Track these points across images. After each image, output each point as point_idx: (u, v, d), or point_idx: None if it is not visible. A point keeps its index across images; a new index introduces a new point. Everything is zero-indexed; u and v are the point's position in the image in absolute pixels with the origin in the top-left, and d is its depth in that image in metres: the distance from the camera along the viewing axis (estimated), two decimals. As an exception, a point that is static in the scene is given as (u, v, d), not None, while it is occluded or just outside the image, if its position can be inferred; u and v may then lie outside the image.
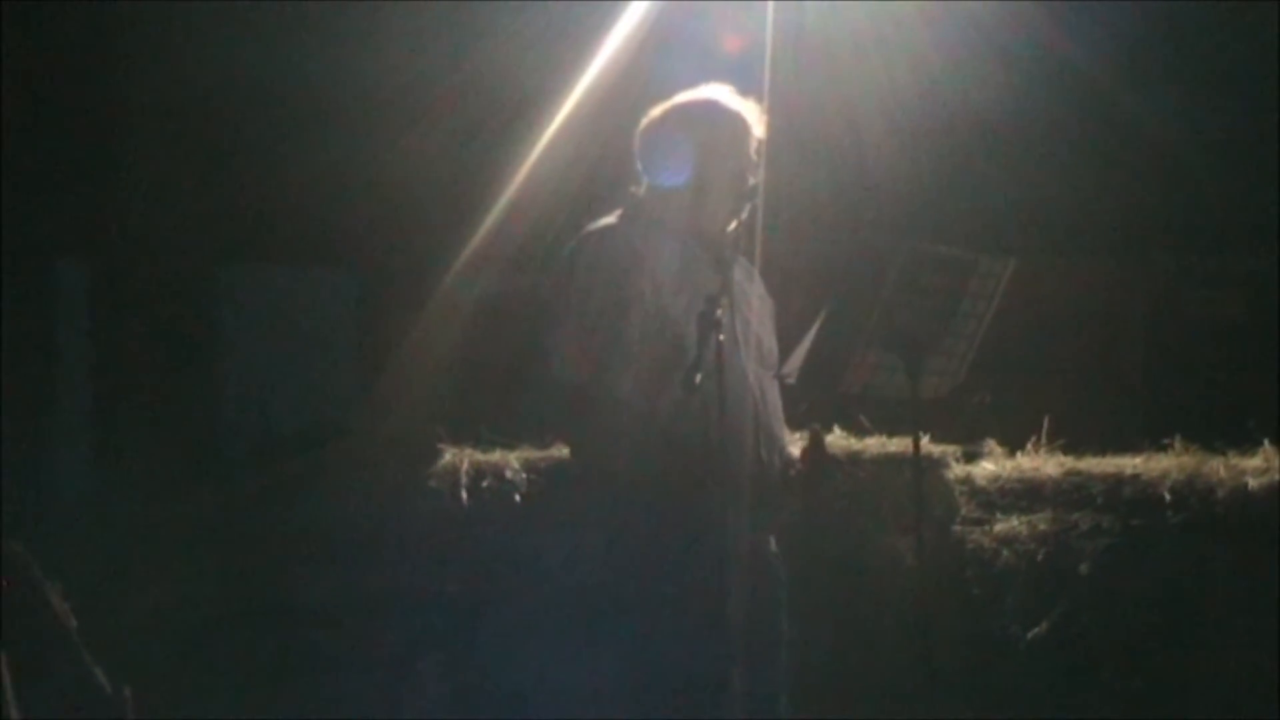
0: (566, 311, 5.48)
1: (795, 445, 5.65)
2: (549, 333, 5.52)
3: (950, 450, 7.45)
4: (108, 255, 9.88)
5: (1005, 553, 7.24)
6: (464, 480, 7.50)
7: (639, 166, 5.65)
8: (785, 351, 5.66)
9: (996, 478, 7.41)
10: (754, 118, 5.63)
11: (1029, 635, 7.13)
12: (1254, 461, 7.22)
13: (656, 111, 5.67)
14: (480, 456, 7.59)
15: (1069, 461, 7.42)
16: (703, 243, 5.55)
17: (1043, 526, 7.25)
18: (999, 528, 7.29)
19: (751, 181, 5.55)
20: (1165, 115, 9.07)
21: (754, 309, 5.65)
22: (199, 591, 7.94)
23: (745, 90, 5.69)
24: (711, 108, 5.61)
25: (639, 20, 8.08)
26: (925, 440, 7.05)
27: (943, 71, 8.87)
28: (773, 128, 5.68)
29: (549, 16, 8.77)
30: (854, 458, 7.33)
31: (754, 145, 5.60)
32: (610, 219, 5.61)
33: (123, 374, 9.51)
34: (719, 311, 5.18)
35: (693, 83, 5.72)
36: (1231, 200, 9.12)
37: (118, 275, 9.80)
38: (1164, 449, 7.41)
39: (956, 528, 7.32)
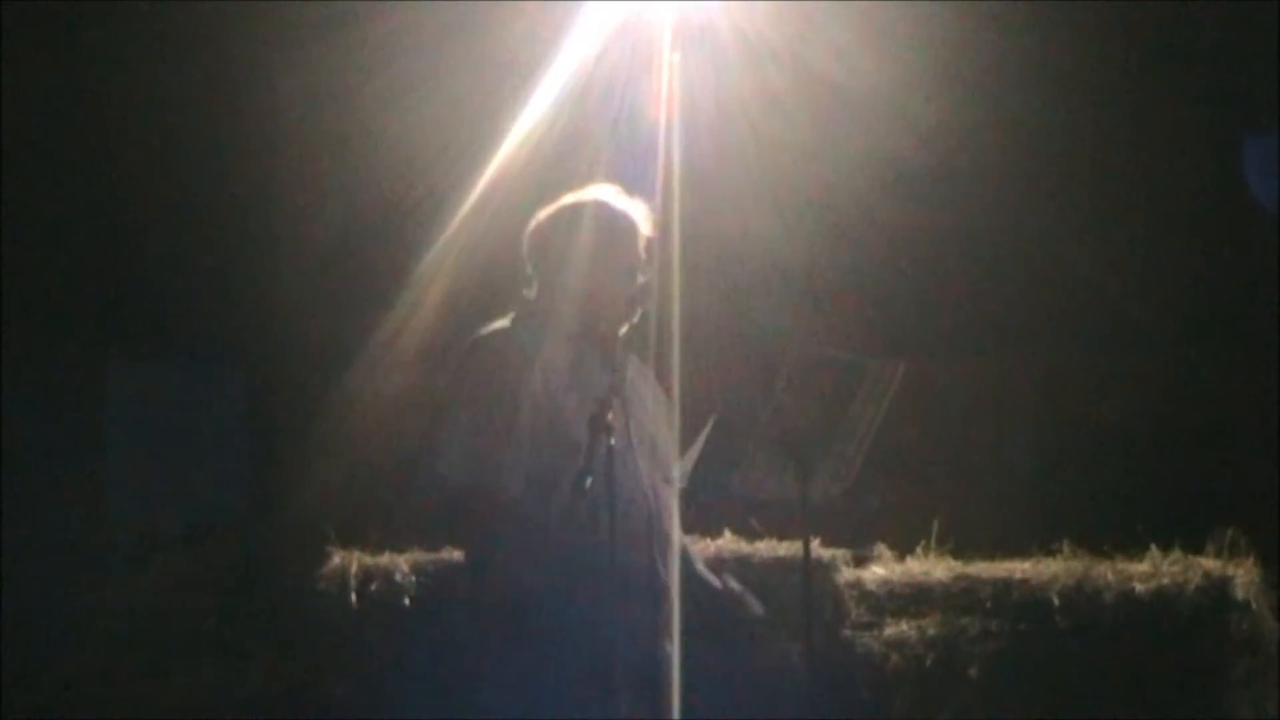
0: (458, 413, 5.46)
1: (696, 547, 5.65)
2: (441, 433, 5.49)
3: (840, 554, 7.46)
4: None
5: (894, 657, 7.24)
6: (352, 583, 7.44)
7: (528, 269, 5.64)
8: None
9: (886, 581, 7.42)
10: (642, 217, 5.63)
11: (918, 740, 7.14)
12: (1141, 566, 7.26)
13: (544, 213, 5.66)
14: (369, 559, 7.54)
15: (958, 566, 7.45)
16: (594, 344, 5.54)
17: (931, 631, 7.26)
18: (888, 632, 7.29)
19: (642, 280, 5.55)
20: (1052, 217, 9.15)
21: (648, 410, 5.63)
22: (83, 694, 7.83)
23: (637, 189, 5.70)
24: (599, 208, 5.61)
25: (534, 118, 8.09)
26: (815, 543, 7.05)
27: (832, 171, 8.92)
28: (664, 227, 5.69)
29: (441, 111, 8.76)
30: (743, 561, 7.32)
31: (643, 244, 5.60)
32: (503, 322, 5.60)
33: (5, 469, 9.36)
34: (609, 414, 5.18)
35: (584, 181, 5.73)
36: (1119, 302, 9.19)
37: (3, 369, 9.67)
38: (1052, 553, 7.45)
39: (846, 631, 7.32)
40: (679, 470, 5.56)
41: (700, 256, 7.59)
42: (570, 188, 5.69)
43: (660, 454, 5.62)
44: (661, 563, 5.49)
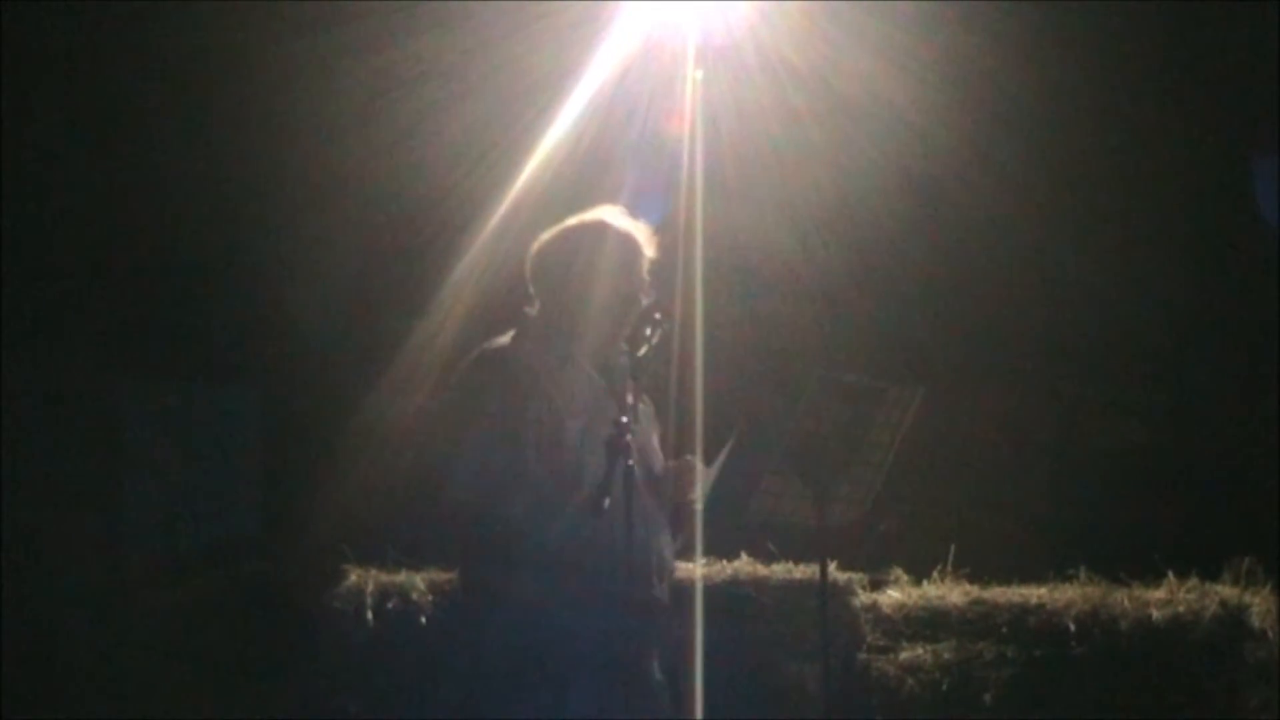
0: (465, 429, 5.42)
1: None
2: (448, 450, 5.46)
3: (856, 577, 7.46)
4: (10, 370, 9.78)
5: (910, 681, 7.24)
6: (369, 601, 7.45)
7: (531, 289, 5.63)
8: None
9: (902, 606, 7.41)
10: (644, 238, 5.60)
11: (933, 764, 7.14)
12: (1157, 593, 7.25)
13: (547, 234, 5.65)
14: (385, 577, 7.54)
15: (974, 590, 7.44)
16: (595, 364, 5.52)
17: (947, 655, 7.26)
18: (904, 656, 7.29)
19: (644, 301, 5.51)
20: (1070, 248, 9.17)
21: (646, 433, 5.60)
22: (100, 715, 7.84)
23: (659, 206, 5.71)
24: (601, 229, 5.59)
25: (558, 136, 8.10)
26: (832, 567, 7.05)
27: (851, 200, 8.94)
28: (686, 244, 5.70)
29: (464, 130, 8.78)
30: (760, 584, 7.32)
31: (645, 265, 5.58)
32: (504, 338, 5.57)
33: (24, 490, 9.39)
34: (627, 436, 5.16)
35: (607, 198, 5.73)
36: (1134, 333, 9.21)
37: (21, 390, 9.70)
38: (1068, 579, 7.44)
39: (862, 655, 7.32)
40: (699, 492, 5.54)
41: (721, 276, 7.63)
42: (590, 206, 5.69)
43: (654, 477, 5.58)
44: (660, 587, 5.46)
